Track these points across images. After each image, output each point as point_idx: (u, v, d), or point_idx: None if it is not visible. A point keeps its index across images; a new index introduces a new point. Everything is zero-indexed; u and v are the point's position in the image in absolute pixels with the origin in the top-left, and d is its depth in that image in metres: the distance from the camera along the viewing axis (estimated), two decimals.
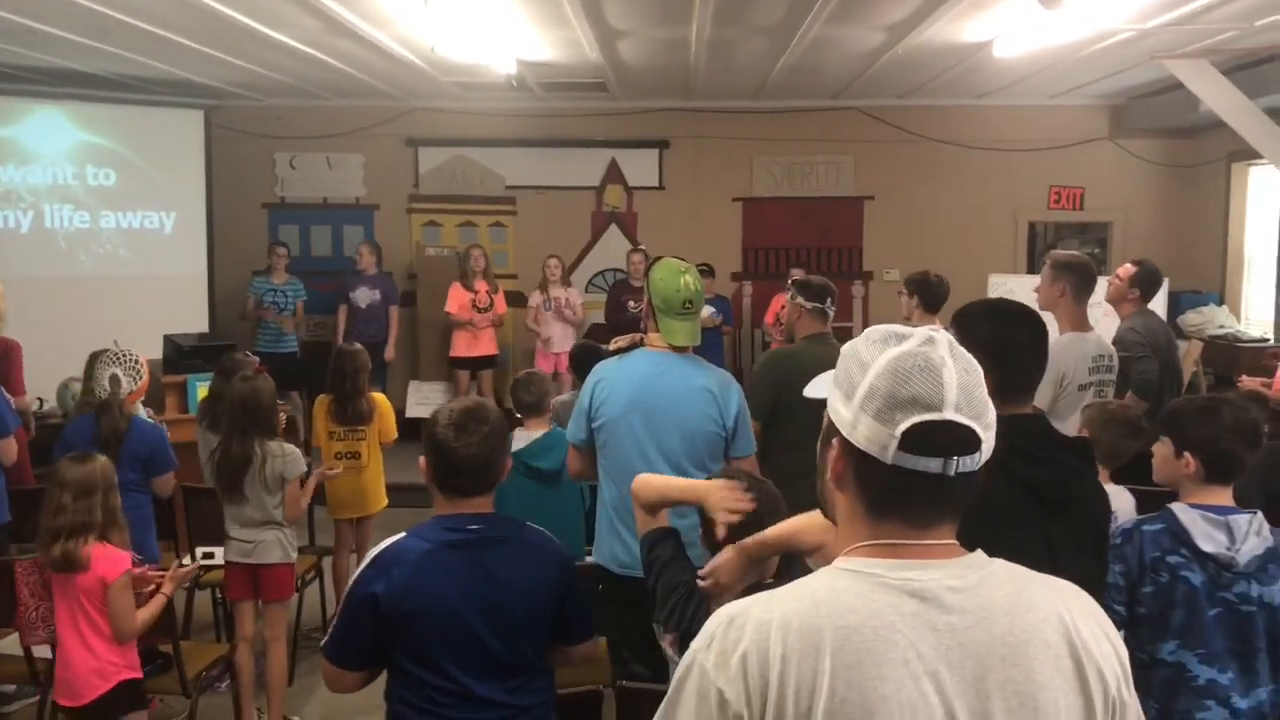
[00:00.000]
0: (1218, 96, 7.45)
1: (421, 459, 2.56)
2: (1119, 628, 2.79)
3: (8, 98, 8.95)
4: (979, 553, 1.37)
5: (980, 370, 1.37)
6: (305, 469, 4.70)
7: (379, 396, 5.78)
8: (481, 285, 9.54)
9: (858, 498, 1.38)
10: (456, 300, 9.51)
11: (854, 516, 1.39)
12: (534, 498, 4.33)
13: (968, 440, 1.31)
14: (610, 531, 3.54)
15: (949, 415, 1.30)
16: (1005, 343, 2.33)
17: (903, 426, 1.30)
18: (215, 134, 10.17)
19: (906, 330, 1.38)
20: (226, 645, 4.76)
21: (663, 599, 2.43)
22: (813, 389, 1.58)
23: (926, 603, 1.29)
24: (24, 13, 6.41)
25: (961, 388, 1.32)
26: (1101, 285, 5.08)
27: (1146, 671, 2.79)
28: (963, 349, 1.38)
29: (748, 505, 2.37)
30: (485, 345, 9.64)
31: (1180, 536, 2.75)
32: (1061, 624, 1.33)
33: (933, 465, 1.30)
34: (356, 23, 6.72)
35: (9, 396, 5.35)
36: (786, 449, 4.16)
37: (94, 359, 5.55)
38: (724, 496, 2.38)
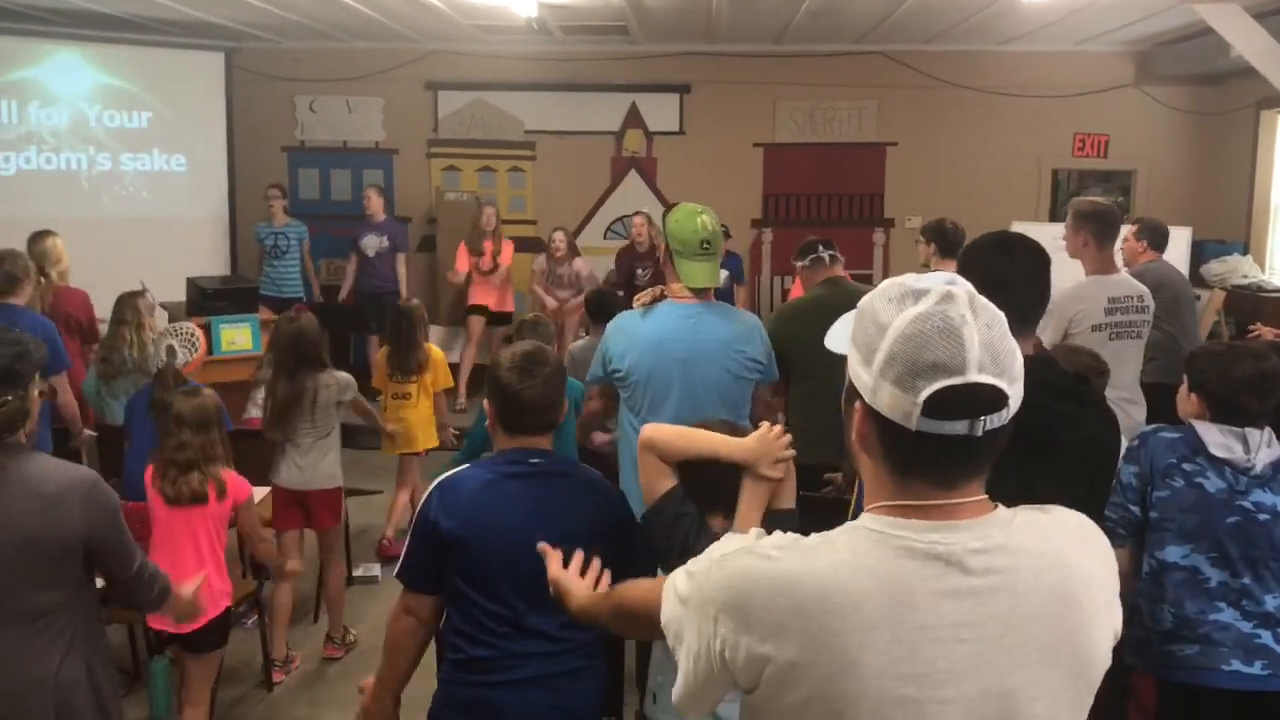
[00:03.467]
0: (1250, 42, 7.33)
1: (485, 402, 2.68)
2: (1131, 531, 2.89)
3: (28, 38, 8.95)
4: (1000, 509, 1.36)
5: (1003, 320, 1.33)
6: (357, 390, 5.00)
7: (433, 348, 6.13)
8: (489, 245, 9.26)
9: (883, 461, 1.36)
10: (461, 262, 9.36)
11: (879, 477, 1.37)
12: None
13: (994, 399, 1.27)
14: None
15: (972, 377, 1.26)
16: (999, 275, 2.33)
17: (925, 393, 1.26)
18: (235, 76, 10.16)
19: (923, 285, 1.33)
20: (254, 583, 4.84)
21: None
22: (831, 340, 1.55)
23: (950, 566, 1.29)
24: None
25: (984, 345, 1.27)
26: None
27: (1158, 576, 2.88)
28: (984, 300, 1.33)
29: (790, 452, 2.28)
30: (498, 300, 9.42)
31: (1195, 445, 2.87)
32: (1083, 575, 1.36)
33: (958, 428, 1.27)
34: None
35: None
36: (804, 400, 4.24)
37: (122, 301, 5.61)
38: (770, 450, 2.25)
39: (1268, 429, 2.89)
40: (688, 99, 10.70)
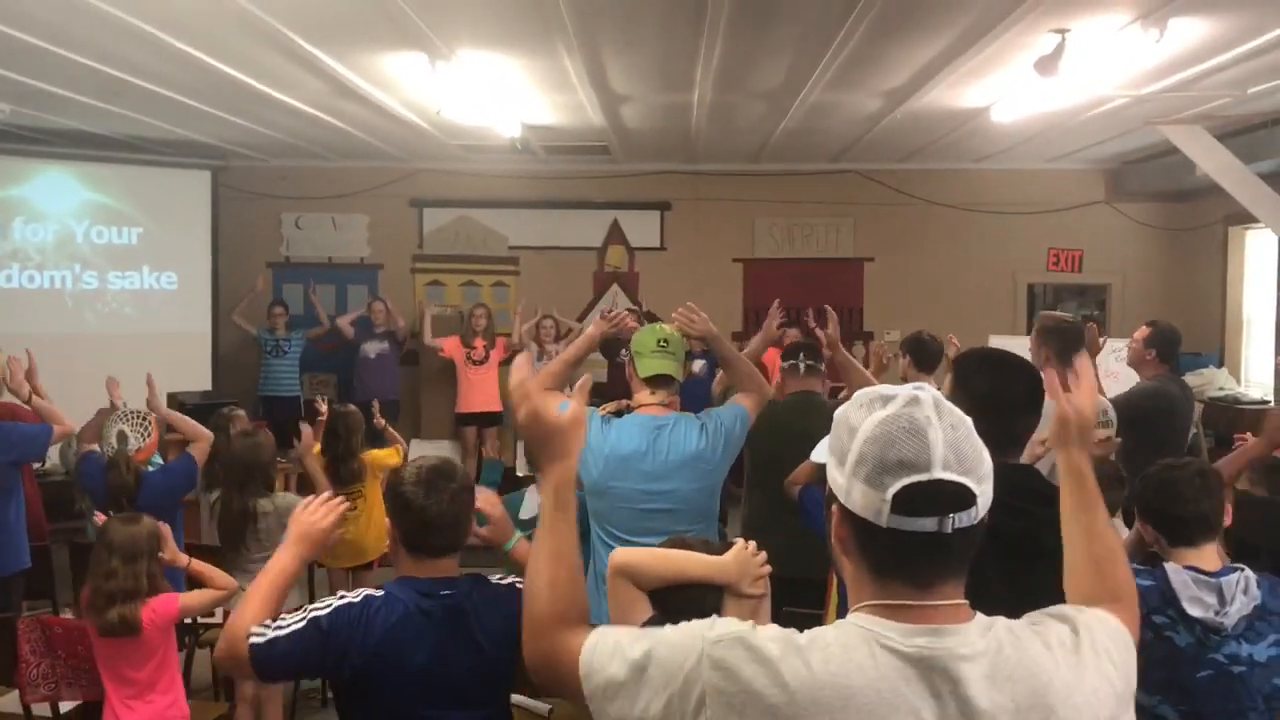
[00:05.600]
0: (1212, 161, 7.54)
1: (387, 521, 2.51)
2: None
3: (18, 158, 9.08)
4: (979, 616, 1.39)
5: (969, 424, 1.39)
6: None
7: (371, 454, 5.86)
8: (480, 343, 9.84)
9: (861, 561, 1.40)
10: (450, 347, 9.89)
11: (859, 578, 1.42)
12: None
13: (960, 497, 1.33)
14: (601, 591, 3.50)
15: (937, 474, 1.32)
16: (999, 395, 2.36)
17: (892, 490, 1.32)
18: (222, 194, 10.28)
19: (892, 391, 1.41)
20: (226, 705, 4.73)
21: None
22: (817, 453, 1.60)
23: (934, 671, 1.31)
24: (39, 76, 6.53)
25: (949, 445, 1.34)
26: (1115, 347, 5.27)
27: None
28: (949, 404, 1.40)
29: (767, 568, 2.21)
30: (486, 399, 9.80)
31: (1169, 597, 2.70)
32: (1064, 686, 1.36)
33: (928, 525, 1.32)
34: (363, 85, 6.84)
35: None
36: (756, 495, 4.43)
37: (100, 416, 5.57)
38: (750, 569, 2.19)
39: (1244, 572, 2.73)
40: (668, 216, 10.89)
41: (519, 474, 10.00)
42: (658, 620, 2.12)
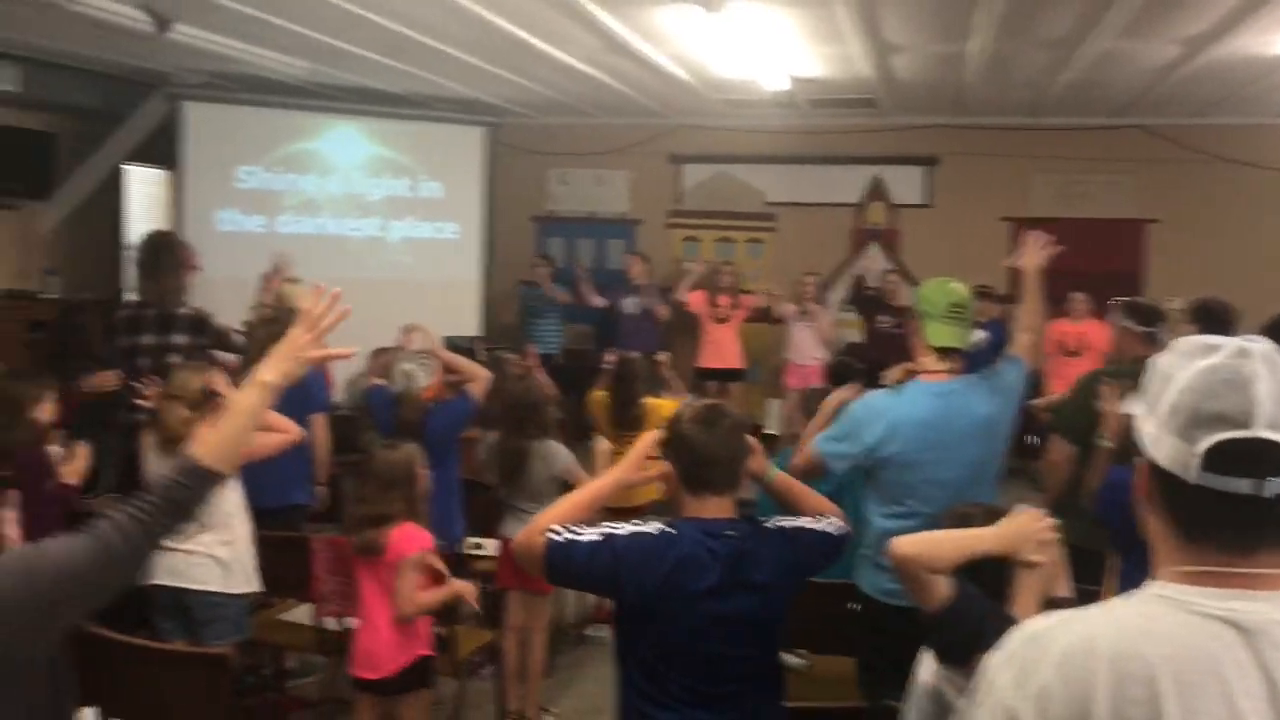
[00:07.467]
0: None
1: (666, 465, 2.55)
2: None
3: (312, 113, 9.76)
4: None
5: None
6: (571, 460, 4.88)
7: (654, 403, 5.98)
8: (724, 300, 9.83)
9: (1166, 520, 1.31)
10: (696, 301, 9.89)
11: (1165, 539, 1.32)
12: None
13: None
14: (873, 560, 3.44)
15: (1259, 433, 1.22)
16: None
17: (1204, 444, 1.23)
18: (494, 150, 10.70)
19: (1219, 341, 1.30)
20: (491, 633, 4.95)
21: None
22: (1129, 404, 1.51)
23: (1253, 636, 1.20)
24: (334, 34, 6.95)
25: (1277, 401, 1.23)
26: None
27: None
28: None
29: (1052, 535, 2.19)
30: (729, 356, 9.79)
31: None
32: None
33: (1242, 486, 1.22)
34: (634, 40, 6.92)
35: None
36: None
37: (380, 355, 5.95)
38: (1027, 534, 2.20)
39: None
40: (935, 172, 10.54)
41: (767, 432, 10.03)
42: (969, 588, 2.17)
